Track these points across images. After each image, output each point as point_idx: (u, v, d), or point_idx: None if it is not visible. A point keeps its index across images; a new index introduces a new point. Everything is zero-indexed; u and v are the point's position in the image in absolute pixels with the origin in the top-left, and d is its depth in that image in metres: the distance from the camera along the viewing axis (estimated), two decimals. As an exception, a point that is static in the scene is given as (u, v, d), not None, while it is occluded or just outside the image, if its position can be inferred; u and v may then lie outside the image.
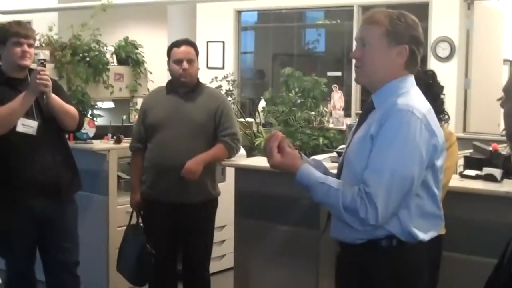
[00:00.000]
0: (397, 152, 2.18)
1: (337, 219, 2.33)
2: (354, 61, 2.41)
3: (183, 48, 4.00)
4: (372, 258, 2.30)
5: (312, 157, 4.61)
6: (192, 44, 4.08)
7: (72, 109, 3.69)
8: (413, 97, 2.28)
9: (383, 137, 2.20)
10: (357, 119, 2.55)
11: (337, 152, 4.37)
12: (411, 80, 2.35)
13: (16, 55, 3.57)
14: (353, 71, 2.46)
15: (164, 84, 4.17)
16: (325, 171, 2.47)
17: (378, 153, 2.20)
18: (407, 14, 2.34)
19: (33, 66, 3.68)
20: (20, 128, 3.52)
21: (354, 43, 2.48)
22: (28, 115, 3.55)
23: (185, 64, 3.96)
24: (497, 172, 3.56)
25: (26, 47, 3.56)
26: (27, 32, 3.58)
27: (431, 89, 3.26)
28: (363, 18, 2.41)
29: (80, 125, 3.81)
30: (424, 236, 2.29)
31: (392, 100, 2.25)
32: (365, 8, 8.76)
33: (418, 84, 2.39)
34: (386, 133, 2.20)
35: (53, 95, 3.57)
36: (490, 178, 3.55)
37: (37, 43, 5.64)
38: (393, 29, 2.29)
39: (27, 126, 3.54)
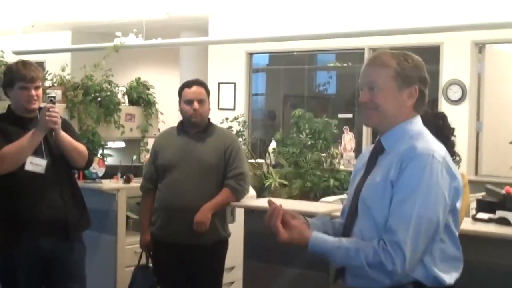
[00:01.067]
0: (422, 197, 2.13)
1: None
2: (362, 106, 2.33)
3: (194, 88, 4.02)
4: None
5: (322, 199, 4.59)
6: (203, 85, 4.09)
7: (81, 146, 3.69)
8: (429, 140, 2.25)
9: (406, 183, 2.16)
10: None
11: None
12: (419, 120, 2.33)
13: (23, 99, 3.58)
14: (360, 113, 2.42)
15: (175, 124, 4.17)
16: (333, 227, 2.44)
17: (403, 199, 2.15)
18: (412, 55, 2.32)
19: (43, 104, 3.70)
20: (29, 167, 3.51)
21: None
22: (37, 153, 3.55)
23: (195, 105, 3.96)
24: (510, 216, 3.52)
25: (32, 92, 3.57)
26: (32, 75, 3.57)
27: (442, 131, 3.24)
28: (368, 60, 2.37)
29: (89, 162, 3.80)
30: (449, 279, 2.23)
31: (409, 144, 2.21)
32: (375, 51, 8.80)
33: (428, 126, 2.36)
34: (409, 178, 2.15)
35: (63, 132, 3.58)
36: (503, 221, 3.50)
37: (49, 83, 5.71)
38: (402, 70, 2.26)
39: (36, 164, 3.53)
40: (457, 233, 2.28)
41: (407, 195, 2.14)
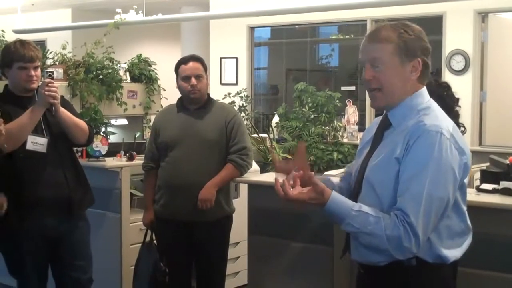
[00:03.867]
0: (432, 176, 2.09)
1: (358, 241, 2.23)
2: (367, 84, 2.28)
3: (191, 64, 3.98)
4: (396, 280, 2.23)
5: (326, 172, 4.58)
6: (200, 60, 4.05)
7: (81, 122, 3.69)
8: (437, 114, 2.20)
9: (415, 160, 2.12)
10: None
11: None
12: (425, 92, 2.27)
13: (22, 80, 3.57)
14: (367, 94, 2.33)
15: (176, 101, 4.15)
16: (335, 189, 2.39)
17: (412, 177, 2.11)
18: (412, 25, 2.25)
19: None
20: (30, 146, 3.51)
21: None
22: (37, 132, 3.54)
23: (193, 80, 3.94)
24: (514, 186, 3.51)
25: (32, 71, 3.55)
26: (31, 54, 3.55)
27: (445, 101, 3.21)
28: (367, 36, 2.29)
29: (90, 138, 3.80)
30: (453, 255, 2.22)
31: (416, 120, 2.17)
32: (378, 22, 8.73)
33: (431, 96, 2.31)
34: (417, 156, 2.12)
35: (62, 108, 3.57)
36: (507, 192, 3.49)
37: (50, 61, 5.69)
38: (404, 44, 2.20)
39: (37, 143, 3.53)
40: (465, 208, 2.26)
41: (416, 173, 2.11)
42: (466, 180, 2.23)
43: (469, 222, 2.30)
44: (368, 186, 2.25)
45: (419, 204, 2.09)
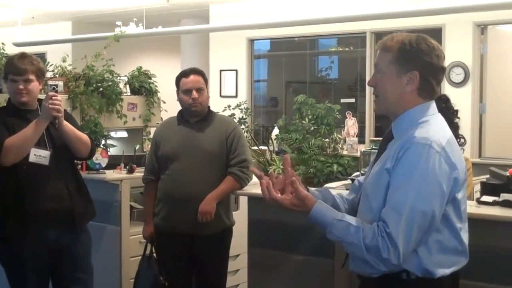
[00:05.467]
0: (416, 188, 2.09)
1: None
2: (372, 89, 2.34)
3: (192, 77, 3.99)
4: None
5: (326, 185, 4.58)
6: (201, 73, 4.06)
7: (84, 135, 3.70)
8: (432, 128, 2.19)
9: (401, 172, 2.13)
10: (372, 146, 2.50)
11: (351, 179, 4.33)
12: (430, 107, 2.26)
13: (11, 92, 3.60)
14: (367, 98, 2.38)
15: (176, 113, 4.16)
16: (334, 201, 2.42)
17: (396, 189, 2.12)
18: (424, 39, 2.25)
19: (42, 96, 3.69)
20: (32, 159, 3.51)
21: (369, 70, 2.42)
22: (40, 145, 3.55)
23: (194, 93, 3.94)
24: (514, 198, 3.50)
25: (21, 84, 3.54)
26: (21, 67, 3.54)
27: (445, 114, 3.21)
28: (378, 43, 2.34)
29: (92, 152, 3.80)
30: (444, 271, 2.20)
31: (411, 132, 2.17)
32: (377, 35, 8.76)
33: None
34: (404, 168, 2.12)
35: (65, 122, 3.58)
36: (507, 204, 3.49)
37: (50, 74, 5.70)
38: (401, 55, 2.21)
39: (40, 156, 3.53)
40: (459, 225, 2.23)
41: (400, 184, 2.12)
42: (459, 195, 2.21)
43: (464, 240, 2.27)
44: (364, 196, 2.29)
45: (400, 215, 2.09)
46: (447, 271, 2.21)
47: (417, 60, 2.22)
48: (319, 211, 2.20)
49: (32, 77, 3.58)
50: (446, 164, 2.13)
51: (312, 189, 2.45)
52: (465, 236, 2.27)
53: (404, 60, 2.22)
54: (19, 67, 3.54)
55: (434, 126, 2.21)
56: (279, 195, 2.24)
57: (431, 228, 2.14)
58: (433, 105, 2.28)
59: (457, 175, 2.16)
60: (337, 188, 4.52)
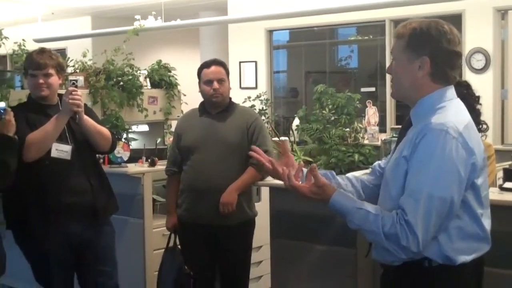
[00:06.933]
0: (433, 174, 2.08)
1: None
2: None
3: (213, 68, 4.01)
4: (412, 279, 2.22)
5: (347, 174, 4.58)
6: (222, 64, 4.08)
7: (104, 129, 3.72)
8: (449, 113, 2.17)
9: (418, 159, 2.12)
10: (392, 135, 2.50)
11: (373, 169, 4.31)
12: (448, 92, 2.24)
13: (31, 87, 3.63)
14: (387, 87, 2.41)
15: (197, 105, 4.17)
16: (338, 183, 2.44)
17: (413, 176, 2.12)
18: (437, 24, 2.22)
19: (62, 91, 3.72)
20: (54, 154, 3.54)
21: (388, 58, 2.45)
22: (61, 139, 3.57)
23: (215, 84, 3.96)
24: (538, 184, 3.47)
25: (40, 79, 3.58)
26: (40, 62, 3.57)
27: (466, 100, 3.19)
28: (394, 31, 2.35)
29: (113, 146, 3.83)
30: (466, 258, 2.19)
31: (428, 119, 2.16)
32: (396, 22, 8.71)
33: None
34: (420, 154, 2.12)
35: (86, 116, 3.61)
36: (530, 190, 3.46)
37: (71, 69, 5.74)
38: (412, 41, 2.21)
39: (61, 151, 3.56)
40: (480, 211, 2.22)
41: (418, 172, 2.11)
42: (479, 181, 2.19)
43: (486, 226, 2.25)
44: (385, 183, 2.29)
45: (418, 203, 2.08)
46: (468, 258, 2.20)
47: (427, 45, 2.21)
48: (339, 200, 2.21)
49: (51, 71, 3.61)
50: (463, 150, 2.11)
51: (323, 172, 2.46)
52: (486, 222, 2.25)
53: (415, 46, 2.21)
54: (38, 61, 3.57)
55: (452, 112, 2.19)
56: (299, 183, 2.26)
57: (451, 214, 2.13)
58: (450, 91, 2.26)
59: (474, 161, 2.15)
60: (359, 178, 4.51)
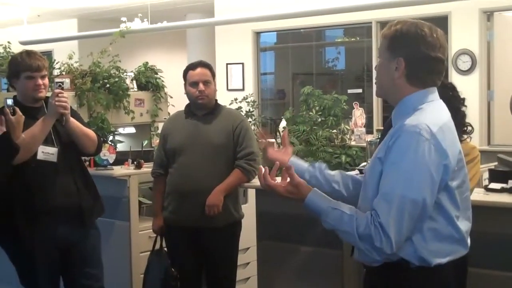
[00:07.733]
0: (406, 176, 2.09)
1: None
2: None
3: (199, 70, 4.00)
4: (391, 280, 2.23)
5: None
6: (208, 66, 4.07)
7: (90, 131, 3.72)
8: (424, 115, 2.16)
9: (391, 160, 2.12)
10: (378, 136, 2.51)
11: (359, 170, 4.32)
12: (429, 94, 2.23)
13: (30, 89, 3.60)
14: (374, 88, 2.43)
15: (184, 108, 4.16)
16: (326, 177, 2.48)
17: (386, 178, 2.13)
18: (417, 26, 2.21)
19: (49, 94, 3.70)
20: (40, 156, 3.53)
21: (375, 59, 2.46)
22: (47, 142, 3.56)
23: (201, 86, 3.95)
24: (523, 185, 3.49)
25: (39, 80, 3.58)
26: (38, 64, 3.58)
27: (451, 102, 3.20)
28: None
29: (99, 148, 3.82)
30: (441, 260, 2.19)
31: (404, 120, 2.16)
32: (383, 24, 8.73)
33: None
34: (393, 156, 2.12)
35: (72, 118, 3.60)
36: (515, 191, 3.47)
37: (57, 72, 5.72)
38: (392, 42, 2.22)
39: (47, 153, 3.55)
40: (454, 213, 2.21)
41: (390, 173, 2.12)
42: (454, 183, 2.18)
43: (462, 228, 2.23)
44: (364, 183, 2.30)
45: (390, 204, 2.09)
46: (443, 260, 2.19)
47: (403, 47, 2.21)
48: (314, 199, 2.22)
49: (46, 72, 3.64)
50: (436, 151, 2.10)
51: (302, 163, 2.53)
52: (463, 224, 2.25)
53: (393, 47, 2.22)
54: (35, 63, 3.57)
55: (428, 113, 2.18)
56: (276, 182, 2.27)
57: (424, 216, 2.13)
58: (432, 93, 2.25)
59: (447, 162, 2.13)
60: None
